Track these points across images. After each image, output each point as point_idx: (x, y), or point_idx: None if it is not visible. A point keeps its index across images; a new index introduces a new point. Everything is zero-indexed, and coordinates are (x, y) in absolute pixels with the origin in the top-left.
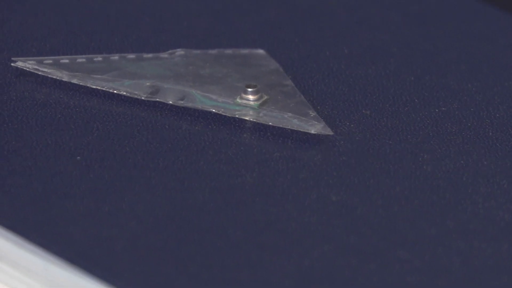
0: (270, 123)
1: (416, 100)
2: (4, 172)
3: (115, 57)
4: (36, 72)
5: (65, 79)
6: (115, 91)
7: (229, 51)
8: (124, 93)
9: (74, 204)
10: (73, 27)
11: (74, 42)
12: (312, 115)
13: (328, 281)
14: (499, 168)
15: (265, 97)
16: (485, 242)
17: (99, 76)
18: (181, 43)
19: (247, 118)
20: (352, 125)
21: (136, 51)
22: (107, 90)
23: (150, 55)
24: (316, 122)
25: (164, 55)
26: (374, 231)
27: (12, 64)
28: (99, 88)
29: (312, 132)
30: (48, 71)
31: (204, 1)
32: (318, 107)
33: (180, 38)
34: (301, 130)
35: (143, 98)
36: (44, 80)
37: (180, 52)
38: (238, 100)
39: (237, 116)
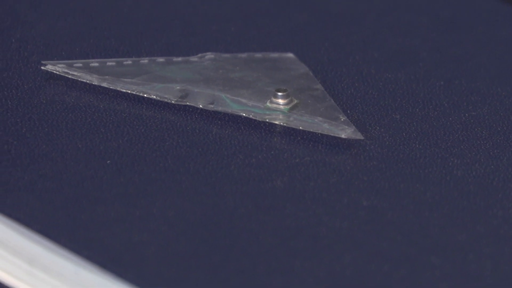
0: (300, 128)
1: (445, 104)
2: (35, 176)
3: (145, 60)
4: (65, 75)
5: (95, 82)
6: (145, 95)
7: (258, 55)
8: (154, 96)
9: (104, 208)
10: (102, 30)
11: (103, 45)
12: (342, 120)
13: (360, 286)
14: None
15: (295, 101)
16: None
17: (129, 79)
18: (211, 47)
19: (277, 123)
20: (382, 130)
21: (166, 54)
22: (137, 93)
23: (179, 59)
24: (346, 127)
25: (194, 58)
26: (405, 236)
27: (42, 67)
28: (129, 91)
29: (343, 136)
30: (78, 74)
31: (233, 5)
32: (348, 111)
33: (209, 42)
34: (331, 134)
35: (173, 102)
36: (74, 84)
37: (209, 55)
38: (268, 104)
39: (267, 120)
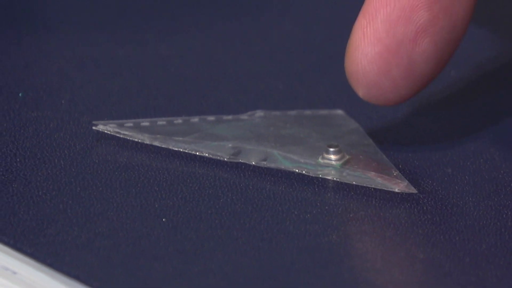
0: (353, 183)
1: (496, 158)
2: (92, 235)
3: (195, 119)
4: (117, 135)
5: (147, 141)
6: (197, 153)
7: (308, 112)
8: (206, 154)
9: (163, 265)
10: (151, 90)
11: (153, 105)
12: (395, 174)
13: None
14: None
15: (347, 157)
16: None
17: (180, 138)
18: (260, 105)
19: (330, 178)
20: (434, 184)
21: (215, 113)
22: (189, 152)
23: (230, 117)
24: (399, 181)
25: (244, 116)
26: None
27: (93, 127)
28: (180, 150)
29: (396, 190)
30: (129, 134)
31: (280, 63)
32: (400, 166)
33: (258, 100)
34: (385, 189)
35: (225, 159)
36: (125, 143)
37: (259, 113)
38: (320, 160)
39: (320, 176)
